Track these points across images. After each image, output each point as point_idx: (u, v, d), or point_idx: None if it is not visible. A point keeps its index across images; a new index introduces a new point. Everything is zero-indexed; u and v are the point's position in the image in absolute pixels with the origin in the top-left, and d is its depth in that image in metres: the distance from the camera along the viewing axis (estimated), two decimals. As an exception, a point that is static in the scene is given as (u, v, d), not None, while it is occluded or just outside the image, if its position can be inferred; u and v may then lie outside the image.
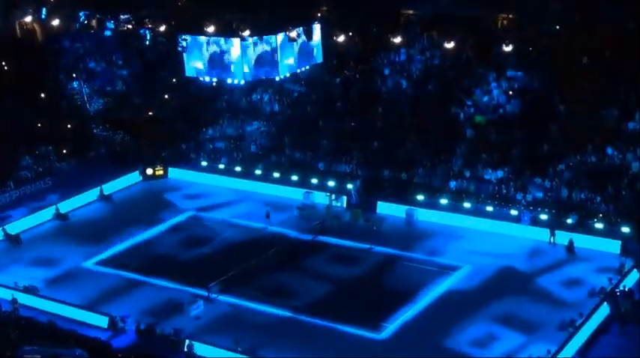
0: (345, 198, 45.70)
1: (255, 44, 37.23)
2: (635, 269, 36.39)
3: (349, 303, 36.08)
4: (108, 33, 43.41)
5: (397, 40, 43.28)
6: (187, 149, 53.44)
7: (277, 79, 39.22)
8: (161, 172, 51.84)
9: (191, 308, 35.59)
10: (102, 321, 35.16)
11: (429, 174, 46.03)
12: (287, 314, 35.42)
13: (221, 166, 51.19)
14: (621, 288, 34.72)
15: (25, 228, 45.07)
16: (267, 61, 37.83)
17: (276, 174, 49.31)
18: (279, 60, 37.15)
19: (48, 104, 56.33)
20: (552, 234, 40.30)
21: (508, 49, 42.27)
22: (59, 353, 24.84)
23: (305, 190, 47.10)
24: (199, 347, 32.72)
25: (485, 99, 48.59)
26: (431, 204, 44.36)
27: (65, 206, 47.20)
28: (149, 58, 58.66)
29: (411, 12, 52.30)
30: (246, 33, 36.00)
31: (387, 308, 35.38)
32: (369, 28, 53.03)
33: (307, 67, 39.44)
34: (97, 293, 37.69)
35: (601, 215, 40.63)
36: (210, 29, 37.74)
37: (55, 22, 44.01)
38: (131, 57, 59.28)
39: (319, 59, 39.86)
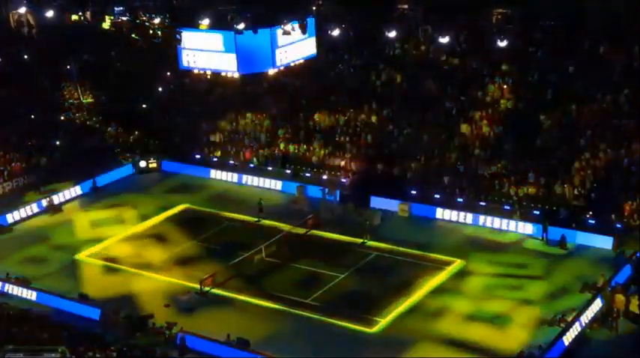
0: (338, 191, 45.66)
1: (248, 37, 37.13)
2: (627, 265, 36.46)
3: (341, 298, 36.09)
4: (102, 25, 43.28)
5: (392, 34, 43.24)
6: (181, 142, 53.37)
7: (271, 72, 39.11)
8: (154, 165, 51.80)
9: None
10: (94, 313, 35.17)
11: (422, 169, 46.06)
12: (280, 308, 35.43)
13: (214, 159, 51.14)
14: (613, 284, 34.80)
15: (17, 219, 45.03)
16: (261, 53, 37.74)
17: (270, 168, 49.30)
18: (273, 53, 37.06)
19: (41, 95, 56.21)
20: (545, 230, 40.37)
21: (503, 43, 42.27)
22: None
23: (298, 184, 47.09)
24: (191, 340, 32.77)
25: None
26: (424, 199, 44.40)
27: (58, 197, 47.12)
28: (143, 51, 58.45)
29: (405, 6, 52.22)
30: (241, 26, 35.88)
31: (380, 303, 35.41)
32: (363, 21, 52.96)
33: (302, 61, 39.34)
34: (89, 286, 37.67)
35: (592, 212, 40.68)
36: (205, 22, 37.60)
37: (50, 14, 43.78)
38: (125, 49, 59.08)
39: (313, 53, 39.81)
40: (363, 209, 44.21)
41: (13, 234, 44.03)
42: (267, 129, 52.15)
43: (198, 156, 51.90)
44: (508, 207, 42.33)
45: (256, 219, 44.01)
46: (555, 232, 40.09)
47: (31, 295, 36.94)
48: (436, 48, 50.66)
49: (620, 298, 33.46)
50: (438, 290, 36.48)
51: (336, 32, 42.62)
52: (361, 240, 41.17)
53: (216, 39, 36.70)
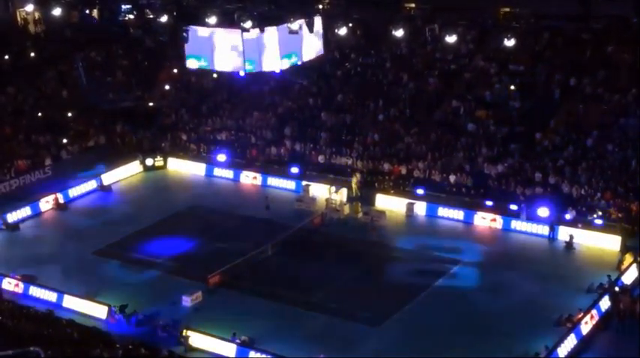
0: (345, 190, 45.58)
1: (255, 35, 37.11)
2: (634, 265, 36.37)
3: (346, 296, 36.08)
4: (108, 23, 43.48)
5: (398, 33, 43.23)
6: (187, 140, 53.40)
7: (278, 70, 39.05)
8: (161, 163, 51.84)
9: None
10: (101, 311, 35.22)
11: (428, 168, 46.01)
12: (285, 306, 35.41)
13: (221, 157, 51.12)
14: (620, 284, 34.73)
15: (24, 217, 45.07)
16: (267, 52, 37.74)
17: (276, 166, 49.29)
18: (280, 52, 37.03)
19: (48, 93, 56.29)
20: (552, 230, 40.30)
21: (510, 42, 42.25)
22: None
23: (304, 182, 47.06)
24: (196, 338, 32.79)
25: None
26: (430, 198, 44.36)
27: (64, 195, 47.19)
28: (150, 49, 58.60)
29: (412, 5, 52.21)
30: (248, 24, 35.84)
31: (384, 302, 35.39)
32: (370, 20, 52.95)
33: (308, 60, 39.33)
34: (96, 283, 37.70)
35: (600, 212, 40.59)
36: (212, 20, 37.58)
37: (57, 11, 43.83)
38: (132, 47, 59.24)
39: (320, 51, 39.80)
40: (369, 208, 44.18)
41: (21, 232, 44.09)
42: (273, 128, 52.14)
43: (204, 155, 51.91)
44: (515, 207, 42.23)
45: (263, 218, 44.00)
46: (563, 232, 40.02)
47: (37, 292, 37.04)
48: (443, 47, 50.60)
49: (627, 299, 33.41)
50: (443, 289, 36.46)
51: (342, 31, 42.56)
52: (366, 240, 41.12)
53: (223, 38, 36.62)
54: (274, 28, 35.44)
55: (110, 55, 59.41)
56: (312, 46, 37.96)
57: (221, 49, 36.26)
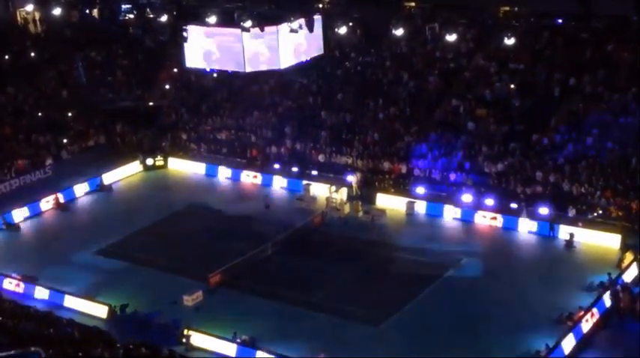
0: (345, 189, 45.57)
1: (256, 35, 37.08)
2: (634, 264, 36.35)
3: (348, 295, 36.06)
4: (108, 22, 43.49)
5: (399, 31, 43.17)
6: (187, 139, 53.38)
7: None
8: (161, 162, 51.83)
9: None
10: (101, 311, 35.21)
11: (428, 167, 45.98)
12: (285, 305, 35.38)
13: (221, 157, 51.12)
14: (620, 282, 34.71)
15: (24, 217, 45.05)
16: (267, 52, 37.72)
17: (276, 165, 49.28)
18: (279, 51, 37.02)
19: (48, 93, 56.27)
20: (552, 228, 40.28)
21: (510, 41, 42.20)
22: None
23: (305, 181, 47.04)
24: (197, 338, 32.79)
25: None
26: (431, 197, 44.33)
27: (65, 195, 47.17)
28: (150, 48, 58.60)
29: (412, 4, 52.22)
30: (248, 23, 35.84)
31: (386, 301, 35.36)
32: (370, 19, 52.96)
33: (308, 59, 39.31)
34: (96, 283, 37.69)
35: (600, 210, 40.55)
36: (212, 19, 37.58)
37: (57, 11, 43.87)
38: (132, 47, 59.22)
39: (320, 51, 39.79)
40: (369, 207, 44.16)
41: (21, 232, 44.07)
42: (273, 127, 52.11)
43: (205, 154, 51.89)
44: (515, 205, 42.20)
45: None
46: (563, 230, 40.00)
47: (38, 292, 37.03)
48: (443, 46, 50.55)
49: (627, 297, 33.40)
50: (444, 288, 36.45)
51: (342, 30, 42.54)
52: (367, 239, 41.10)
53: (223, 36, 36.62)
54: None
55: (110, 55, 59.39)
56: (312, 46, 37.91)
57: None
